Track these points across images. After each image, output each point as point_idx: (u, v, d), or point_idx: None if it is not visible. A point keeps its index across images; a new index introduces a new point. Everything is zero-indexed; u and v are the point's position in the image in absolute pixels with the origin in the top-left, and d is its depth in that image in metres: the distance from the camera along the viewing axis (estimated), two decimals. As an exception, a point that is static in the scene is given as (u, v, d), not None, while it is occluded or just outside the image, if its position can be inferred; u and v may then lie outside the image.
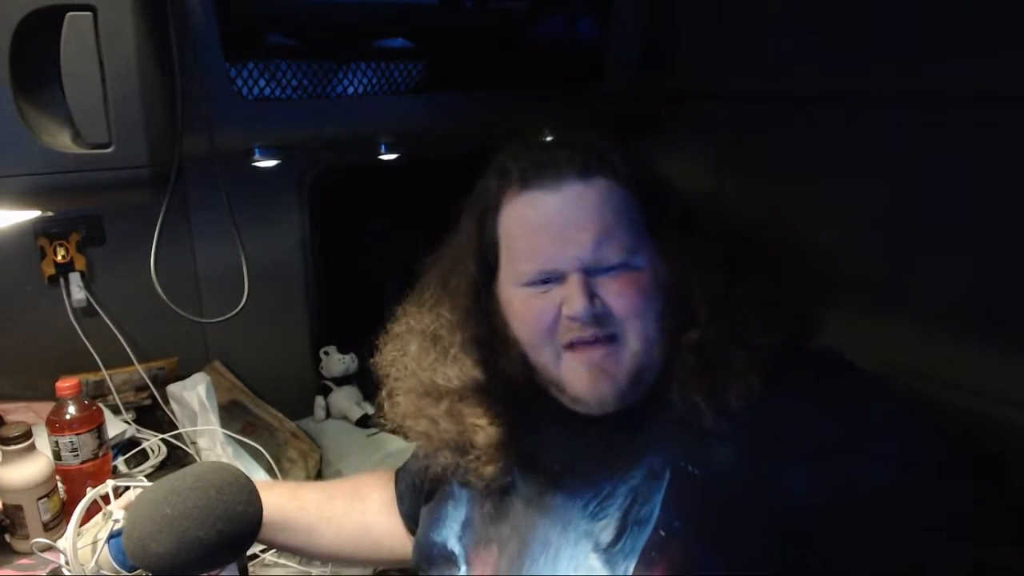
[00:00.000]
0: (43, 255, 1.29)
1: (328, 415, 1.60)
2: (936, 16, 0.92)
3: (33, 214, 1.14)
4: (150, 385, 1.40)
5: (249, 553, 0.97)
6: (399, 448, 1.46)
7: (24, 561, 0.99)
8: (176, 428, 1.32)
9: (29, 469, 0.99)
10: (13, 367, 1.31)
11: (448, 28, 1.22)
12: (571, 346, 0.73)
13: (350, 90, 1.14)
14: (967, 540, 0.65)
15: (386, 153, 1.29)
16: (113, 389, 1.36)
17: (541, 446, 0.80)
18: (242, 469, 0.74)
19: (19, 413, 1.26)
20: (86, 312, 1.34)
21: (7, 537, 1.02)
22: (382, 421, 0.87)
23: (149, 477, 1.16)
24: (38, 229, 1.28)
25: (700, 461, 0.70)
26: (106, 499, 0.76)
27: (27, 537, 0.99)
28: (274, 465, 1.31)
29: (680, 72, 1.35)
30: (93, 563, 0.70)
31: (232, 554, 0.71)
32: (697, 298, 0.74)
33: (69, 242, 1.30)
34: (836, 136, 1.07)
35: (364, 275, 1.69)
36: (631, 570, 0.68)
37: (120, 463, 1.22)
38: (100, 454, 1.05)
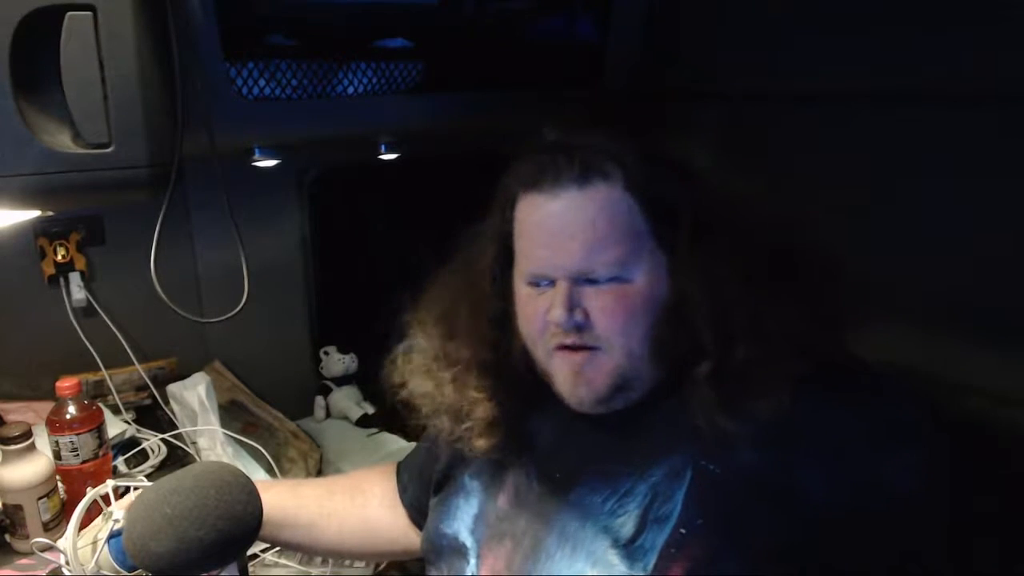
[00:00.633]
0: (43, 255, 1.29)
1: (328, 415, 1.60)
2: (936, 16, 0.92)
3: (33, 214, 1.14)
4: (150, 385, 1.40)
5: (249, 553, 0.97)
6: (399, 448, 1.46)
7: (24, 561, 0.99)
8: (176, 428, 1.32)
9: (29, 469, 0.99)
10: (13, 367, 1.31)
11: (448, 28, 1.22)
12: (558, 348, 0.74)
13: (350, 90, 1.14)
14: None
15: (386, 153, 1.29)
16: (113, 389, 1.36)
17: (557, 441, 0.80)
18: (242, 469, 0.74)
19: (19, 413, 1.26)
20: (86, 312, 1.34)
21: (7, 537, 1.02)
22: (392, 374, 0.88)
23: (149, 477, 1.16)
24: (38, 229, 1.28)
25: (722, 460, 0.70)
26: (106, 499, 0.76)
27: (27, 537, 0.99)
28: (274, 465, 1.31)
29: (680, 72, 1.35)
30: (93, 563, 0.70)
31: (232, 554, 0.71)
32: (705, 320, 0.71)
33: (69, 242, 1.30)
34: (836, 136, 1.07)
35: (364, 275, 1.69)
36: (650, 567, 0.68)
37: (120, 463, 1.22)
38: (100, 454, 1.05)
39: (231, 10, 0.99)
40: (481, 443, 0.81)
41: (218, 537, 0.67)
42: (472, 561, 0.79)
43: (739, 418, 0.68)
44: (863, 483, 0.66)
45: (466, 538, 0.81)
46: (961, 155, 0.92)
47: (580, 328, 0.72)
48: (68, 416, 1.02)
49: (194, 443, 1.30)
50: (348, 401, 1.59)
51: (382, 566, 1.16)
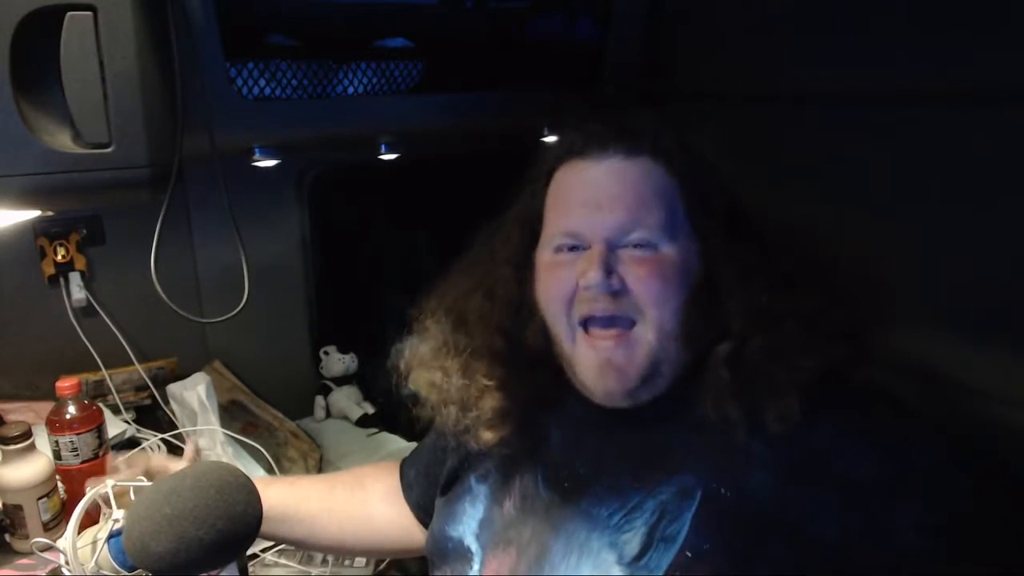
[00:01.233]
0: (43, 255, 1.29)
1: (328, 415, 1.60)
2: (936, 16, 0.92)
3: (33, 214, 1.14)
4: (150, 385, 1.40)
5: (249, 553, 0.97)
6: (399, 448, 1.46)
7: (24, 561, 0.99)
8: (176, 428, 1.32)
9: (29, 469, 0.99)
10: (13, 367, 1.31)
11: (448, 28, 1.22)
12: (586, 327, 0.72)
13: (350, 90, 1.14)
14: None
15: (386, 153, 1.29)
16: (113, 389, 1.36)
17: (569, 444, 0.79)
18: (242, 469, 0.74)
19: (19, 413, 1.26)
20: (86, 312, 1.34)
21: (7, 537, 1.02)
22: (401, 364, 0.87)
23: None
24: (38, 229, 1.28)
25: (733, 484, 0.68)
26: (106, 499, 0.76)
27: (27, 537, 0.99)
28: (274, 465, 1.31)
29: (680, 72, 1.35)
30: (93, 563, 0.69)
31: (232, 554, 0.71)
32: (734, 307, 0.71)
33: (69, 242, 1.30)
34: (836, 136, 1.07)
35: (364, 275, 1.69)
36: None
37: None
38: (100, 454, 1.05)
39: (231, 10, 0.99)
40: (488, 435, 0.79)
41: (218, 537, 0.67)
42: (476, 566, 0.78)
43: (749, 413, 0.68)
44: (878, 530, 0.64)
45: (471, 542, 0.80)
46: (961, 155, 0.92)
47: (615, 294, 0.70)
48: (68, 416, 1.02)
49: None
50: (348, 401, 1.59)
51: (382, 566, 1.16)
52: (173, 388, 1.36)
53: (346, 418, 1.58)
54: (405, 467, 0.99)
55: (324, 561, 1.14)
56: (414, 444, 1.01)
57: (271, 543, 1.11)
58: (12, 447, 0.97)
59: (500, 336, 0.80)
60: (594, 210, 0.73)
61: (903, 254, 0.99)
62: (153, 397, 1.41)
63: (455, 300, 0.84)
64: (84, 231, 1.31)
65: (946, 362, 0.95)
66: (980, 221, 0.91)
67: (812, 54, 1.08)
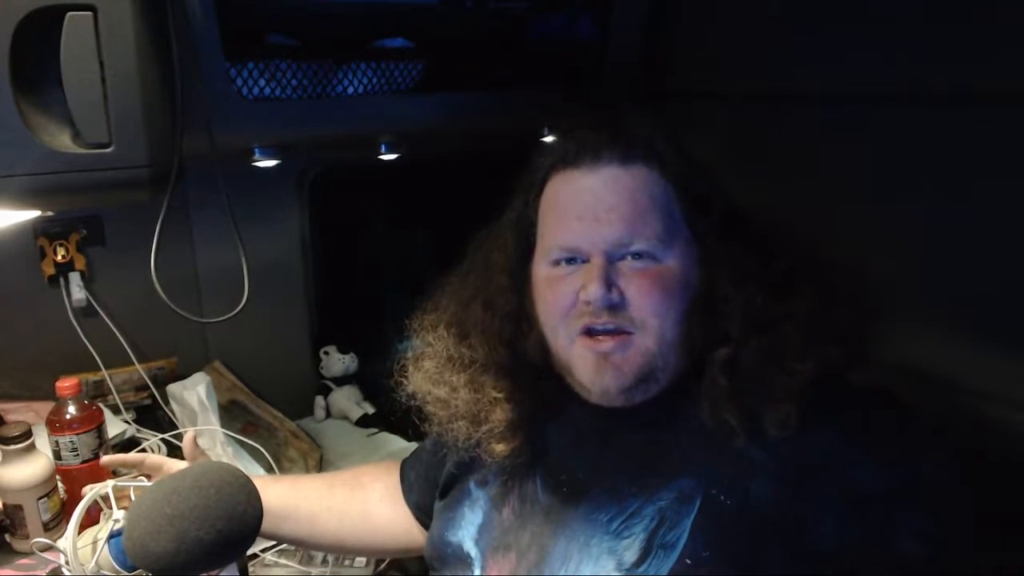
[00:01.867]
0: (43, 255, 1.29)
1: (328, 415, 1.60)
2: (936, 16, 0.92)
3: (33, 214, 1.14)
4: (150, 385, 1.40)
5: (249, 553, 0.97)
6: (399, 448, 1.46)
7: (24, 561, 1.00)
8: (176, 428, 1.32)
9: (29, 469, 0.99)
10: (13, 367, 1.31)
11: (448, 28, 1.22)
12: (585, 333, 0.72)
13: (350, 90, 1.14)
14: None
15: (386, 153, 1.29)
16: (113, 389, 1.36)
17: (568, 448, 0.79)
18: (242, 469, 0.74)
19: (19, 413, 1.26)
20: (86, 312, 1.34)
21: (7, 537, 1.02)
22: (402, 383, 0.86)
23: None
24: (38, 229, 1.28)
25: (733, 491, 0.67)
26: (106, 499, 0.76)
27: (27, 537, 0.99)
28: (274, 465, 1.31)
29: (680, 72, 1.35)
30: (93, 563, 0.70)
31: (232, 554, 0.71)
32: (731, 311, 0.71)
33: (69, 242, 1.30)
34: (836, 136, 1.07)
35: (364, 275, 1.69)
36: None
37: (120, 463, 1.22)
38: (100, 454, 1.05)
39: (231, 10, 0.99)
40: (500, 448, 0.78)
41: (218, 537, 0.67)
42: (476, 571, 0.78)
43: (747, 419, 0.67)
44: (879, 537, 0.64)
45: (470, 548, 0.80)
46: (961, 155, 0.92)
47: (614, 308, 0.70)
48: (68, 416, 1.02)
49: (194, 443, 1.29)
50: (348, 401, 1.59)
51: (382, 566, 1.16)
52: (173, 388, 1.36)
53: (346, 418, 1.58)
54: (406, 468, 0.99)
55: (324, 561, 1.14)
56: (414, 444, 1.01)
57: (271, 543, 1.11)
58: (12, 447, 0.97)
59: (503, 347, 0.80)
60: (592, 223, 0.72)
61: (903, 254, 0.99)
62: (153, 397, 1.41)
63: (455, 313, 0.84)
64: (84, 231, 1.31)
65: (946, 362, 0.95)
66: (980, 221, 0.91)
67: (812, 54, 1.08)
